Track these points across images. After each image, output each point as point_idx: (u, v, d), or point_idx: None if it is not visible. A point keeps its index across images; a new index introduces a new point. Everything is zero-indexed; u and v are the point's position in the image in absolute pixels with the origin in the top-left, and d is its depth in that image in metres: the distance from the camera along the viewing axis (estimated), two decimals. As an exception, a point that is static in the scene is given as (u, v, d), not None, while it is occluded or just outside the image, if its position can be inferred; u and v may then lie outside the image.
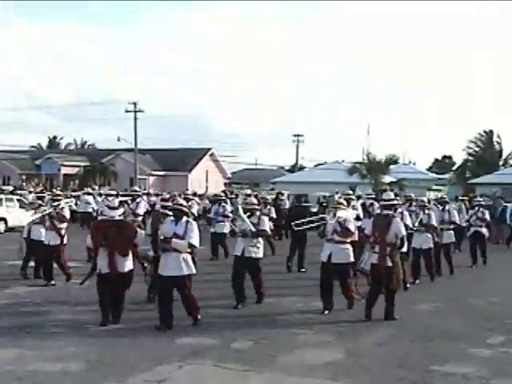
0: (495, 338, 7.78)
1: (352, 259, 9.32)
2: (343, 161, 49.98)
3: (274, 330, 8.07)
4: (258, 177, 57.22)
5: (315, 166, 58.54)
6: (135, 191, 18.25)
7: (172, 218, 8.22)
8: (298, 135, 59.62)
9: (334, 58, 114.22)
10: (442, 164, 74.93)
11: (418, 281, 12.12)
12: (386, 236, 8.63)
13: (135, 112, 45.57)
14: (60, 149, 69.05)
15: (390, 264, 8.55)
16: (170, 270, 7.88)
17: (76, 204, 22.29)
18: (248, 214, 9.67)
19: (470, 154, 45.39)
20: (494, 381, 6.13)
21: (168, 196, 14.61)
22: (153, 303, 8.67)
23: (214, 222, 16.33)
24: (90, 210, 23.26)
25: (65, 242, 11.61)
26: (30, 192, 25.57)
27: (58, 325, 8.12)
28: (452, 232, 13.78)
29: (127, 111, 45.80)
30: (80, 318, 8.46)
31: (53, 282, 11.20)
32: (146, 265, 8.94)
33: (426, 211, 12.67)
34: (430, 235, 12.51)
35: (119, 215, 8.33)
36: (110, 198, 12.60)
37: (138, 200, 16.10)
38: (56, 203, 11.76)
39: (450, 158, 74.39)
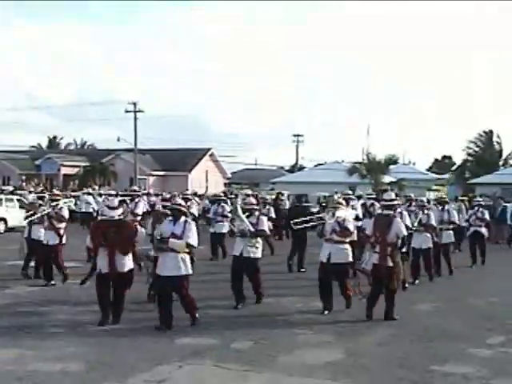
0: (495, 338, 7.78)
1: (351, 259, 9.33)
2: (343, 161, 50.11)
3: (274, 330, 8.07)
4: (258, 177, 57.23)
5: (315, 166, 58.59)
6: (134, 191, 18.22)
7: (170, 217, 8.23)
8: (298, 135, 59.77)
9: (334, 58, 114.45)
10: (442, 164, 74.98)
11: (417, 281, 12.12)
12: (386, 236, 8.64)
13: (135, 112, 45.55)
14: (60, 149, 68.87)
15: (390, 264, 8.56)
16: (168, 270, 7.88)
17: (75, 204, 22.31)
18: (247, 213, 9.66)
19: (469, 154, 45.30)
20: (494, 381, 6.13)
21: (168, 196, 14.61)
22: (153, 303, 8.66)
23: (213, 222, 16.33)
24: (91, 210, 23.29)
25: (63, 241, 11.61)
26: (30, 192, 25.59)
27: (58, 325, 8.12)
28: (451, 232, 13.76)
29: (127, 111, 45.81)
30: (80, 318, 8.45)
31: (53, 282, 11.21)
32: (142, 265, 8.94)
33: (426, 211, 12.67)
34: (429, 235, 12.52)
35: (119, 215, 8.34)
36: (110, 198, 12.60)
37: (136, 200, 16.06)
38: (55, 203, 11.78)
39: (449, 158, 74.45)
